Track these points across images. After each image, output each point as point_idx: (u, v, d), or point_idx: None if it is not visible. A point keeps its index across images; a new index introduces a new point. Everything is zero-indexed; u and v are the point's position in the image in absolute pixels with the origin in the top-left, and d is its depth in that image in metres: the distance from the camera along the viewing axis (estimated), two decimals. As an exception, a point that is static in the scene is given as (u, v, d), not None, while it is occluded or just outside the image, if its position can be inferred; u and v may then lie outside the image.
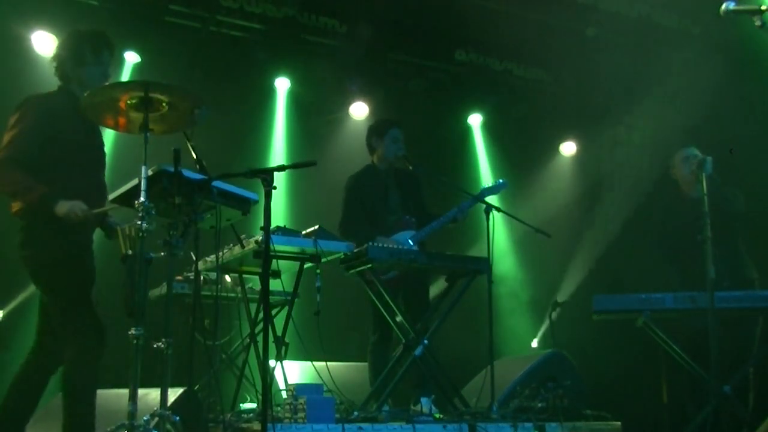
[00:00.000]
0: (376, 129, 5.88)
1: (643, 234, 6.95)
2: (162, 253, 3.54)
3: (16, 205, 3.87)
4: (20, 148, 3.81)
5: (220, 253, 4.70)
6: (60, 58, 4.09)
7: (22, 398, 3.87)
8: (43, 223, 3.80)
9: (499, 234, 5.29)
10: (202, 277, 5.09)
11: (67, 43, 4.11)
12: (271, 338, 4.32)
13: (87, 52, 4.06)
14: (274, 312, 5.69)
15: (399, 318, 5.20)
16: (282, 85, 7.67)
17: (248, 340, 5.21)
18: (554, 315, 6.80)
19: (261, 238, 4.07)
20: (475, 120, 8.64)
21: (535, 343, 8.06)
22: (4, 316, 6.02)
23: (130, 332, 3.32)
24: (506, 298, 8.42)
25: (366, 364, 5.73)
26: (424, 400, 5.11)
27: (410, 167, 5.57)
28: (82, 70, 4.03)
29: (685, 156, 5.64)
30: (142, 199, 3.39)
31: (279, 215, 7.12)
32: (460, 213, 5.61)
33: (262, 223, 3.82)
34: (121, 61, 6.79)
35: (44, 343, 3.96)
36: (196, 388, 4.53)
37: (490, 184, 5.76)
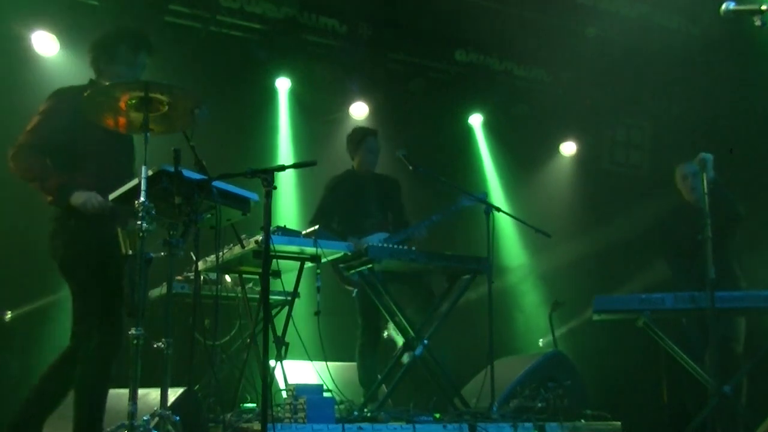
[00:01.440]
0: (352, 139, 6.02)
1: (644, 234, 6.96)
2: (162, 253, 3.54)
3: (50, 197, 3.88)
4: (41, 135, 3.85)
5: (220, 253, 4.70)
6: (95, 53, 4.10)
7: (48, 397, 3.87)
8: (75, 214, 3.81)
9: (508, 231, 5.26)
10: (202, 277, 5.10)
11: (104, 39, 4.11)
12: (271, 338, 4.33)
13: (122, 51, 4.06)
14: (274, 312, 5.69)
15: (398, 318, 5.21)
16: (282, 85, 7.67)
17: (248, 340, 5.21)
18: (554, 315, 6.79)
19: (261, 238, 4.07)
20: (476, 120, 8.63)
21: (541, 342, 8.04)
22: (12, 317, 6.01)
23: (130, 332, 3.32)
24: (511, 297, 8.41)
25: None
26: None
27: (410, 167, 5.59)
28: (114, 67, 4.03)
29: (683, 174, 5.63)
30: (142, 199, 3.39)
31: (280, 215, 7.12)
32: (418, 230, 5.69)
33: (262, 223, 3.82)
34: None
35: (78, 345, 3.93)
36: (196, 388, 4.53)
37: (468, 198, 5.71)
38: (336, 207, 5.81)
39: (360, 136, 5.96)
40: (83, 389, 3.80)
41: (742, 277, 5.48)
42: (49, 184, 3.82)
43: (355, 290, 5.62)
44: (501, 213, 5.47)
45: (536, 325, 8.07)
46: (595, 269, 8.24)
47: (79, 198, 3.78)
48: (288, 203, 7.50)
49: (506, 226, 7.86)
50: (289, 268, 5.05)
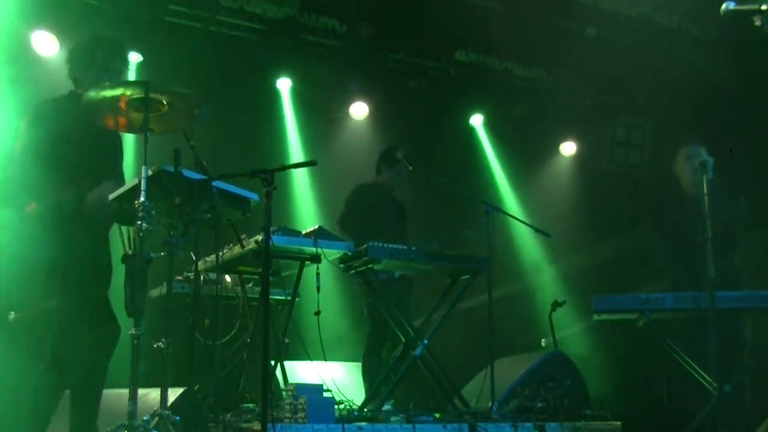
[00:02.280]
0: (386, 158, 6.07)
1: (643, 232, 6.95)
2: (162, 253, 3.55)
3: (32, 206, 3.88)
4: (29, 155, 3.83)
5: (220, 253, 4.70)
6: (73, 61, 4.09)
7: (45, 405, 3.88)
8: (56, 225, 3.81)
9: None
10: (202, 277, 5.09)
11: (80, 46, 4.12)
12: (271, 338, 4.33)
13: (99, 57, 4.05)
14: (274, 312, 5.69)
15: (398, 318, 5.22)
16: (282, 85, 7.67)
17: (248, 340, 5.21)
18: (555, 315, 6.78)
19: (261, 238, 4.07)
20: (476, 120, 8.63)
21: (543, 343, 8.03)
22: (15, 318, 5.98)
23: (130, 332, 3.32)
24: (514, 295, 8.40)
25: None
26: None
27: (410, 167, 5.59)
28: (92, 74, 4.02)
29: (688, 154, 5.63)
30: (142, 199, 3.39)
31: (280, 215, 7.12)
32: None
33: (262, 223, 3.82)
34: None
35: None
36: (196, 388, 4.53)
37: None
38: (363, 211, 5.86)
39: (394, 157, 5.93)
40: (79, 391, 3.80)
41: (744, 274, 5.46)
42: (54, 199, 3.82)
43: None
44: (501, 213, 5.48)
45: (539, 325, 8.06)
46: (595, 270, 8.24)
47: (91, 197, 3.80)
48: (289, 203, 7.50)
49: (516, 226, 7.83)
50: (289, 268, 5.05)
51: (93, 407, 3.83)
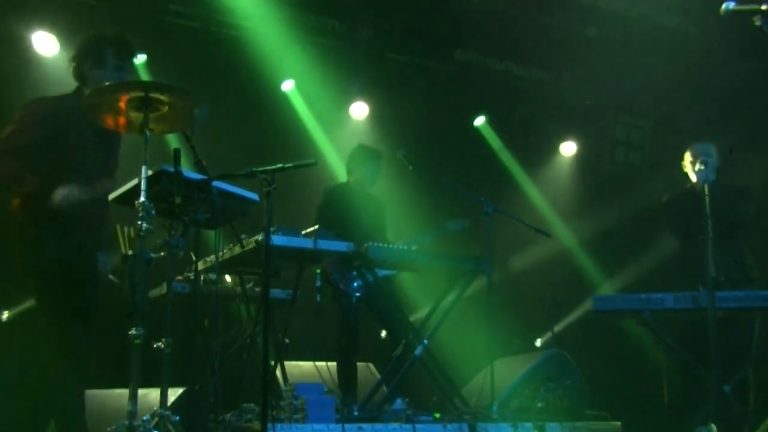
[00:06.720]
0: (358, 158, 6.00)
1: (644, 232, 6.95)
2: (162, 253, 3.54)
3: (15, 202, 3.88)
4: (13, 144, 3.83)
5: (220, 253, 4.70)
6: (79, 59, 4.07)
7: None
8: (37, 223, 3.80)
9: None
10: (202, 277, 5.10)
11: (88, 45, 4.09)
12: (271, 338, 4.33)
13: (109, 55, 4.04)
14: (274, 312, 5.69)
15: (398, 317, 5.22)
16: (282, 85, 7.66)
17: (248, 340, 5.21)
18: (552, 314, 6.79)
19: (261, 237, 4.07)
20: (476, 120, 8.63)
21: (539, 342, 8.03)
22: (9, 318, 5.99)
23: (130, 332, 3.32)
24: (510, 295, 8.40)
25: (364, 364, 5.79)
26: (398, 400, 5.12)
27: (410, 167, 5.59)
28: (101, 71, 4.00)
29: (696, 152, 5.64)
30: (142, 199, 3.39)
31: (280, 215, 7.10)
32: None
33: (262, 223, 3.82)
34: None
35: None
36: (196, 388, 4.54)
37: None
38: (332, 217, 5.78)
39: (366, 157, 5.97)
40: (57, 398, 3.77)
41: (758, 279, 5.45)
42: (27, 185, 3.79)
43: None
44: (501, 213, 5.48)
45: (538, 324, 8.07)
46: (596, 269, 8.24)
47: (57, 195, 3.74)
48: (289, 203, 7.48)
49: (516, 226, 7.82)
50: (289, 268, 5.05)
51: (76, 410, 3.80)
